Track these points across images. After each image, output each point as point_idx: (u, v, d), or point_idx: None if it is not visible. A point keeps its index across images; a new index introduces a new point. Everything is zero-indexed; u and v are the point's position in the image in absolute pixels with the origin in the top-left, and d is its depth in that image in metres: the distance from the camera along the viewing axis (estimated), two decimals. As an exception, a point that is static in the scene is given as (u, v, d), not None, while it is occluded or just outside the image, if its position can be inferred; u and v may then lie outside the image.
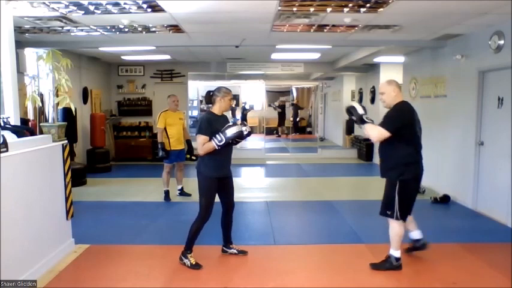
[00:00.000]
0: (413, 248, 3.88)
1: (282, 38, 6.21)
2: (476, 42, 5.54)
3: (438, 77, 6.59)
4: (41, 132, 4.10)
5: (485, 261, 3.80)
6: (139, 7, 4.44)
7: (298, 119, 15.91)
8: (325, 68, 10.69)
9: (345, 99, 12.14)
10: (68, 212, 3.92)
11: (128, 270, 3.63)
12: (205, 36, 6.32)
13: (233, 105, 15.16)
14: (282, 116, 15.44)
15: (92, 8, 4.43)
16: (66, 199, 3.90)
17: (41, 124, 4.57)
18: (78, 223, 4.25)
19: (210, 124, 3.52)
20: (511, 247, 4.07)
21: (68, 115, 6.43)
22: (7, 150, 2.95)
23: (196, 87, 14.06)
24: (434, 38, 6.15)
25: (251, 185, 7.49)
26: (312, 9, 4.48)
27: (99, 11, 4.59)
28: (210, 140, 3.46)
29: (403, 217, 3.52)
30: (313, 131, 16.01)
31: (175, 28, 5.54)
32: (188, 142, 6.19)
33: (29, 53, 6.53)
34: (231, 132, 3.45)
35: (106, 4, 4.31)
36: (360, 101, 10.93)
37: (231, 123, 3.55)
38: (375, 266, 3.59)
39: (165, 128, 5.84)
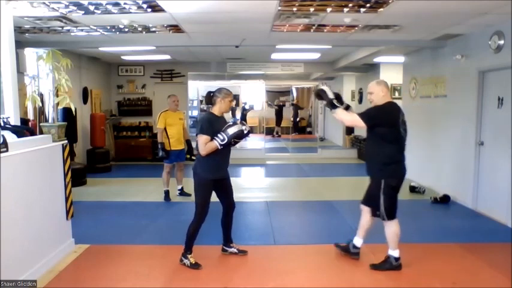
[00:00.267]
0: (345, 249, 3.83)
1: (282, 38, 6.21)
2: (476, 42, 5.54)
3: (438, 77, 6.59)
4: (41, 132, 4.10)
5: (485, 261, 3.80)
6: (139, 7, 4.44)
7: (298, 119, 15.91)
8: (325, 68, 10.69)
9: (344, 99, 12.12)
10: (68, 212, 3.92)
11: (127, 270, 3.63)
12: (205, 36, 6.32)
13: (233, 106, 15.18)
14: (279, 116, 15.40)
15: (92, 8, 4.43)
16: (66, 199, 3.90)
17: (41, 124, 4.57)
18: (78, 223, 4.25)
19: (211, 124, 3.50)
20: (511, 247, 4.06)
21: (68, 115, 6.43)
22: (7, 150, 2.95)
23: (196, 87, 14.05)
24: (434, 38, 6.15)
25: (251, 185, 7.48)
26: (312, 9, 4.48)
27: (99, 11, 4.59)
28: (211, 140, 3.45)
29: (392, 216, 3.50)
30: (313, 131, 16.01)
31: (175, 28, 5.54)
32: (188, 142, 6.19)
33: (29, 53, 6.53)
34: (232, 131, 3.43)
35: (106, 4, 4.31)
36: (360, 101, 10.94)
37: (231, 123, 3.53)
38: (375, 267, 3.60)
39: (165, 128, 5.84)
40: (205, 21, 5.16)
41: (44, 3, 4.24)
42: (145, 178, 7.84)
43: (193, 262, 3.58)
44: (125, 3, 4.29)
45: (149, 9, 4.53)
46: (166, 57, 8.98)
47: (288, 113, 15.26)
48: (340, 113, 3.53)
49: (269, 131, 14.31)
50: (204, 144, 3.45)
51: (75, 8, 4.47)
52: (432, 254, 3.97)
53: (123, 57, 8.99)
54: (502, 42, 4.93)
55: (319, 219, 5.32)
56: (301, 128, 16.24)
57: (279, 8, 4.45)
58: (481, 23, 5.08)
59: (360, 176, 9.15)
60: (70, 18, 4.92)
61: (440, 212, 5.65)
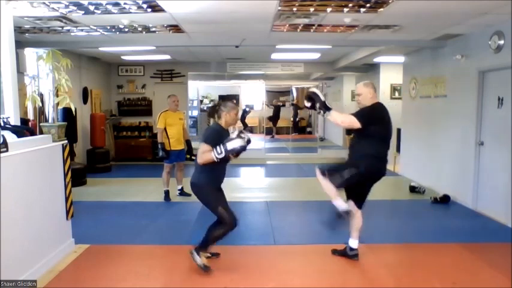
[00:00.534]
0: (343, 254, 3.84)
1: (282, 38, 6.21)
2: (476, 42, 5.54)
3: (438, 77, 6.59)
4: (41, 132, 4.11)
5: (485, 261, 3.80)
6: (139, 7, 4.44)
7: (298, 119, 15.90)
8: (325, 68, 10.69)
9: (345, 99, 12.15)
10: (68, 212, 3.92)
11: (128, 270, 3.63)
12: (205, 36, 6.32)
13: (247, 109, 15.11)
14: (275, 116, 15.36)
15: (92, 8, 4.43)
16: (66, 199, 3.90)
17: (41, 124, 4.57)
18: (78, 223, 4.24)
19: (220, 136, 3.40)
20: (511, 247, 4.06)
21: (68, 115, 6.42)
22: (7, 150, 2.95)
23: (196, 87, 14.06)
24: (434, 38, 6.15)
25: (251, 185, 7.49)
26: (312, 9, 4.48)
27: (99, 11, 4.59)
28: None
29: (340, 185, 3.57)
30: (313, 131, 16.01)
31: (175, 28, 5.54)
32: (188, 142, 6.19)
33: (29, 53, 6.52)
34: (231, 146, 3.30)
35: (106, 4, 4.31)
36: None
37: (233, 136, 3.37)
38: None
39: (165, 128, 5.85)
40: (205, 21, 5.16)
41: (44, 3, 4.24)
42: (145, 178, 7.84)
43: (206, 264, 3.49)
44: (124, 3, 4.29)
45: (149, 9, 4.53)
46: (166, 57, 8.98)
47: (288, 113, 15.25)
48: (335, 115, 3.51)
49: (269, 131, 14.32)
50: (202, 153, 3.35)
51: (75, 8, 4.47)
52: (432, 254, 3.97)
53: (123, 57, 8.99)
54: (502, 42, 4.93)
55: (319, 219, 5.31)
56: (301, 128, 16.25)
57: (279, 8, 4.45)
58: (481, 23, 5.08)
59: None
60: (70, 18, 4.91)
61: (440, 212, 5.65)
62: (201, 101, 15.70)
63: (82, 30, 5.63)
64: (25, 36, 5.92)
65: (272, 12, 4.65)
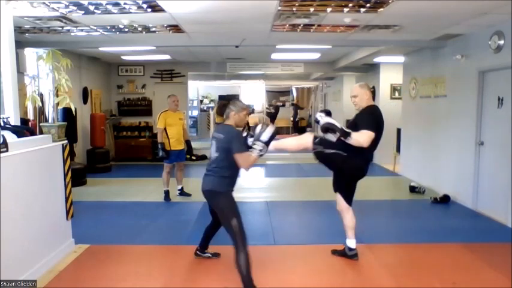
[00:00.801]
0: (343, 254, 3.83)
1: (282, 38, 6.21)
2: (476, 42, 5.54)
3: (438, 77, 6.59)
4: (41, 132, 4.10)
5: (485, 261, 3.80)
6: (139, 7, 4.44)
7: (298, 119, 15.92)
8: (325, 68, 10.69)
9: (345, 99, 12.13)
10: (68, 212, 3.92)
11: (127, 270, 3.63)
12: (205, 36, 6.32)
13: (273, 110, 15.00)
14: (272, 117, 15.35)
15: (92, 8, 4.43)
16: (66, 199, 3.90)
17: (41, 124, 4.57)
18: (78, 223, 4.24)
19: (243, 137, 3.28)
20: (511, 247, 4.06)
21: (68, 115, 6.42)
22: (7, 150, 2.95)
23: (196, 87, 14.07)
24: (434, 38, 6.15)
25: (251, 185, 7.48)
26: (312, 9, 4.47)
27: (99, 11, 4.59)
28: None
29: (319, 143, 3.60)
30: (313, 131, 16.01)
31: (175, 28, 5.54)
32: (188, 142, 6.19)
33: (29, 53, 6.52)
34: (266, 136, 3.08)
35: (106, 4, 4.31)
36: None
37: (261, 128, 3.15)
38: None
39: (165, 128, 5.85)
40: (205, 21, 5.16)
41: (44, 3, 4.24)
42: (145, 178, 7.84)
43: None
44: (124, 3, 4.29)
45: (149, 9, 4.53)
46: (166, 57, 8.98)
47: (287, 113, 15.27)
48: (357, 136, 3.38)
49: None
50: (246, 161, 3.10)
51: (75, 8, 4.47)
52: (432, 254, 3.97)
53: (123, 57, 8.99)
54: (502, 42, 4.93)
55: (319, 219, 5.32)
56: (301, 128, 16.25)
57: (279, 8, 4.45)
58: (481, 23, 5.08)
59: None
60: (70, 18, 4.91)
61: (440, 212, 5.65)
62: (201, 101, 15.71)
63: (82, 30, 5.63)
64: (25, 36, 5.92)
65: (272, 12, 4.65)
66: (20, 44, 5.79)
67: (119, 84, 10.35)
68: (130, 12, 4.65)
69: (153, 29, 5.63)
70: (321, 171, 9.00)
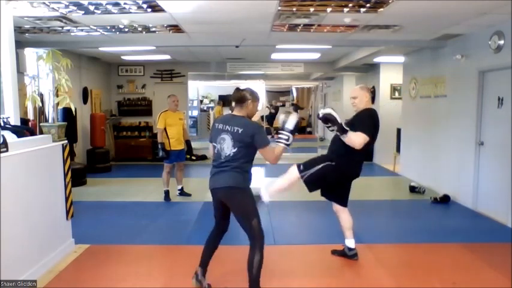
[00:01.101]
0: (342, 254, 3.84)
1: (282, 38, 6.21)
2: (476, 42, 5.54)
3: (438, 77, 6.59)
4: (41, 132, 4.11)
5: (485, 261, 3.80)
6: (139, 7, 4.44)
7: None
8: (325, 68, 10.69)
9: (345, 99, 12.13)
10: (68, 212, 3.92)
11: (127, 270, 3.63)
12: (205, 36, 6.32)
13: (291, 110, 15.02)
14: (271, 118, 15.34)
15: (92, 8, 4.43)
16: (66, 199, 3.90)
17: (41, 124, 4.57)
18: (78, 223, 4.24)
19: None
20: (511, 247, 4.07)
21: (68, 115, 6.43)
22: (7, 150, 2.95)
23: (196, 87, 14.07)
24: (434, 38, 6.15)
25: (251, 185, 7.48)
26: (312, 9, 4.48)
27: (99, 11, 4.59)
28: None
29: (304, 168, 3.60)
30: (313, 131, 16.03)
31: (175, 28, 5.54)
32: (188, 142, 6.19)
33: (29, 53, 6.53)
34: (291, 124, 2.94)
35: (106, 4, 4.31)
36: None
37: (284, 117, 3.01)
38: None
39: (165, 128, 5.85)
40: (205, 21, 5.16)
41: (44, 3, 4.24)
42: (145, 178, 7.84)
43: None
44: (124, 3, 4.29)
45: (149, 9, 4.53)
46: (166, 57, 8.98)
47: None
48: (353, 137, 3.39)
49: (268, 131, 14.34)
50: (274, 154, 2.95)
51: (75, 8, 4.47)
52: (432, 254, 3.97)
53: (123, 57, 8.99)
54: (502, 42, 4.93)
55: (319, 219, 5.32)
56: (301, 128, 16.27)
57: (279, 8, 4.45)
58: (481, 23, 5.08)
59: (360, 176, 9.14)
60: (70, 18, 4.92)
61: (440, 212, 5.65)
62: (201, 101, 15.72)
63: (82, 30, 5.63)
64: (25, 36, 5.92)
65: (272, 12, 4.65)
66: (20, 44, 5.79)
67: (119, 84, 10.35)
68: (130, 12, 4.65)
69: (153, 29, 5.63)
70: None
